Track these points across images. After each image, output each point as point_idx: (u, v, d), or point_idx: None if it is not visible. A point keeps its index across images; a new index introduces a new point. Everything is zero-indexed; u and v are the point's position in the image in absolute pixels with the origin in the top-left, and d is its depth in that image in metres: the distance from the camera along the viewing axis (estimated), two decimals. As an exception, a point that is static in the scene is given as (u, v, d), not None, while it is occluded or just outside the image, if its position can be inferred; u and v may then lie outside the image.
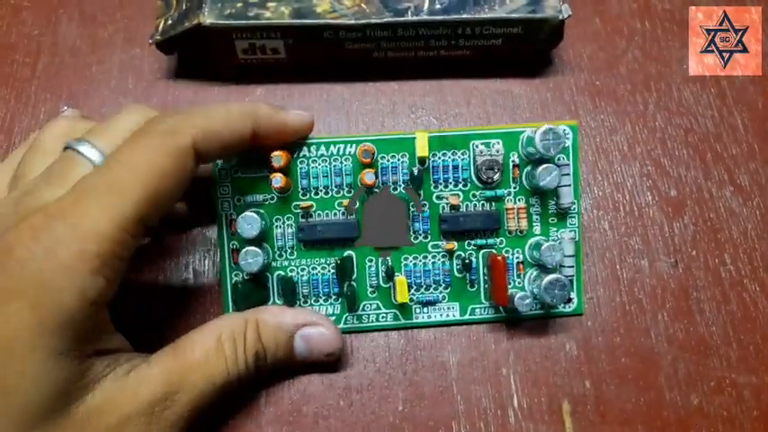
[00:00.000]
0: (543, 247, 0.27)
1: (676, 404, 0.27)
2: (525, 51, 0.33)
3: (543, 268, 0.27)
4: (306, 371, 0.27)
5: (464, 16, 0.31)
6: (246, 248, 0.26)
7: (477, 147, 0.28)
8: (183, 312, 0.28)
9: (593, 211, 0.31)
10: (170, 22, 0.32)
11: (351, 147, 0.28)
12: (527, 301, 0.26)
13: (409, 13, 0.31)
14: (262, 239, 0.27)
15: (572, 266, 0.28)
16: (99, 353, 0.22)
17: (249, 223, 0.26)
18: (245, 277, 0.27)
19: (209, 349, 0.24)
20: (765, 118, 0.33)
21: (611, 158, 0.32)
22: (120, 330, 0.24)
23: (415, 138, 0.27)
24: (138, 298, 0.28)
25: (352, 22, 0.31)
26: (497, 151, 0.28)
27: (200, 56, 0.33)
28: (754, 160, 0.32)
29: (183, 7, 0.32)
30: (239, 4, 0.31)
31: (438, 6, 0.31)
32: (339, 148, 0.28)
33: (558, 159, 0.28)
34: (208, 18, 0.31)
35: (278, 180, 0.27)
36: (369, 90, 0.33)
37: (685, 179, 0.31)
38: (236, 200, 0.28)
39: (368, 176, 0.27)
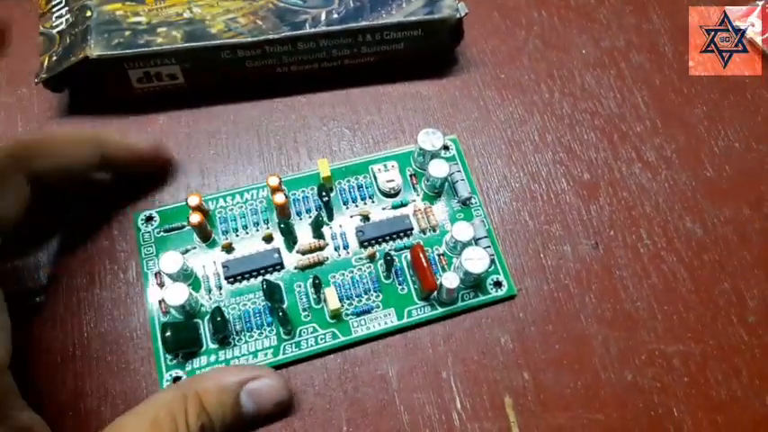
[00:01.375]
0: (454, 226, 0.28)
1: (612, 382, 0.28)
2: (428, 52, 0.33)
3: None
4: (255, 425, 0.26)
5: (362, 23, 0.31)
6: (173, 284, 0.26)
7: (376, 169, 0.30)
8: (108, 365, 0.27)
9: (512, 203, 0.31)
10: (55, 57, 0.30)
11: (263, 190, 0.30)
12: (455, 280, 0.27)
13: (307, 25, 0.31)
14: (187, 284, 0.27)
15: (489, 246, 0.29)
16: None
17: (171, 259, 0.26)
18: (175, 317, 0.27)
19: None
20: (664, 94, 0.34)
21: (523, 149, 0.32)
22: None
23: (318, 172, 0.30)
24: (51, 360, 0.26)
25: (250, 39, 0.30)
26: (393, 166, 0.31)
27: (93, 89, 0.31)
28: (658, 135, 0.33)
29: (68, 41, 0.30)
30: (127, 33, 0.30)
31: (335, 16, 0.31)
32: (252, 194, 0.30)
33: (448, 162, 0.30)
34: (95, 50, 0.29)
35: (195, 217, 0.27)
36: (277, 106, 0.32)
37: (596, 161, 0.32)
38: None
39: (278, 197, 0.28)
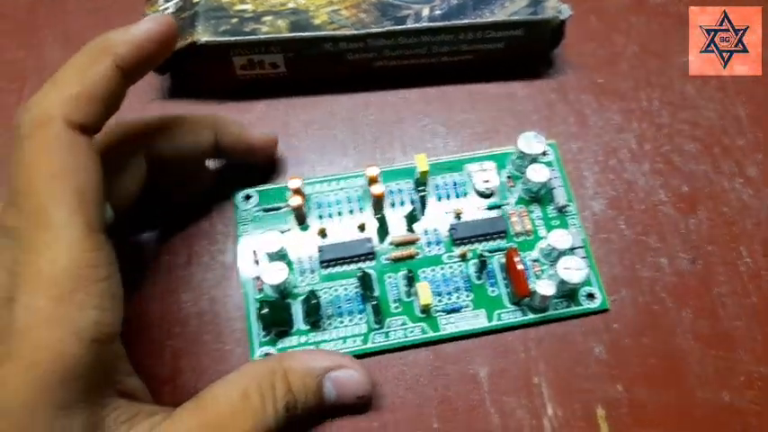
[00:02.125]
0: (551, 234, 0.27)
1: (708, 402, 0.27)
2: (527, 53, 0.32)
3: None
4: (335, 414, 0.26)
5: (465, 21, 0.31)
6: (270, 263, 0.26)
7: (472, 168, 0.30)
8: (204, 345, 0.27)
9: (607, 211, 0.30)
10: (163, 40, 0.30)
11: (359, 179, 0.30)
12: (550, 288, 0.26)
13: (409, 20, 0.30)
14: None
15: (584, 257, 0.28)
16: (115, 397, 0.21)
17: (271, 240, 0.26)
18: (269, 296, 0.27)
19: (236, 404, 0.22)
20: (766, 108, 0.33)
21: (620, 157, 0.32)
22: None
23: (414, 166, 0.30)
24: (154, 329, 0.27)
25: (353, 32, 0.30)
26: (490, 167, 0.30)
27: (196, 74, 0.32)
28: (760, 150, 0.32)
29: (176, 25, 0.30)
30: (234, 20, 0.30)
31: (438, 12, 0.31)
32: (349, 182, 0.30)
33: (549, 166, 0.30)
34: (203, 36, 0.29)
35: (296, 200, 0.27)
36: (373, 100, 0.32)
37: (696, 174, 0.31)
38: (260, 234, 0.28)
39: (376, 188, 0.28)
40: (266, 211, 0.29)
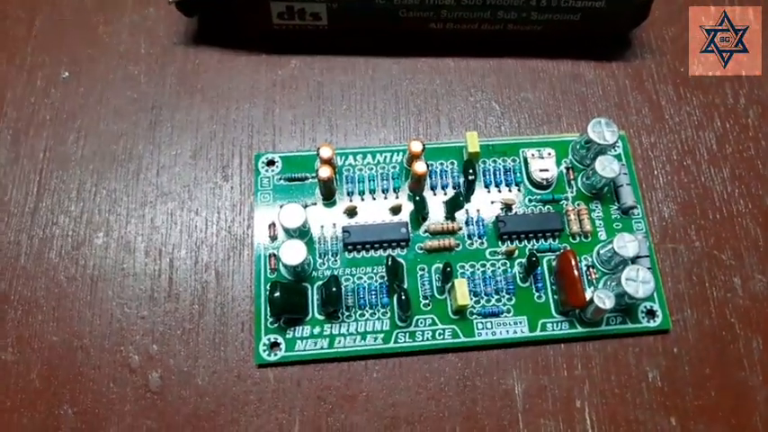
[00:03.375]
0: (616, 238, 0.24)
1: (775, 448, 0.23)
2: (603, 30, 0.28)
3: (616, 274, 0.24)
4: (346, 399, 0.23)
5: (539, -16, 0.27)
6: (288, 240, 0.23)
7: (528, 154, 0.26)
8: (203, 326, 0.24)
9: (678, 217, 0.26)
10: (193, -23, 0.27)
11: (398, 155, 0.26)
12: (609, 300, 0.22)
13: (475, -22, 0.27)
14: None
15: (649, 268, 0.24)
16: None
17: (292, 213, 0.23)
18: (284, 276, 0.24)
19: None
20: None
21: (698, 158, 0.28)
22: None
23: (463, 145, 0.26)
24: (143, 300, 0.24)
25: (411, -16, 0.26)
26: (549, 154, 0.26)
27: (227, 19, 0.28)
28: None
29: (210, -40, 0.27)
30: (275, -41, 0.26)
31: (508, -29, 0.27)
32: (386, 157, 0.26)
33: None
34: (238, -27, 0.26)
35: (325, 171, 0.23)
36: (422, 67, 0.29)
37: (782, 185, 0.27)
38: (279, 206, 0.25)
39: (419, 166, 0.24)
40: (290, 180, 0.26)
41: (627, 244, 0.24)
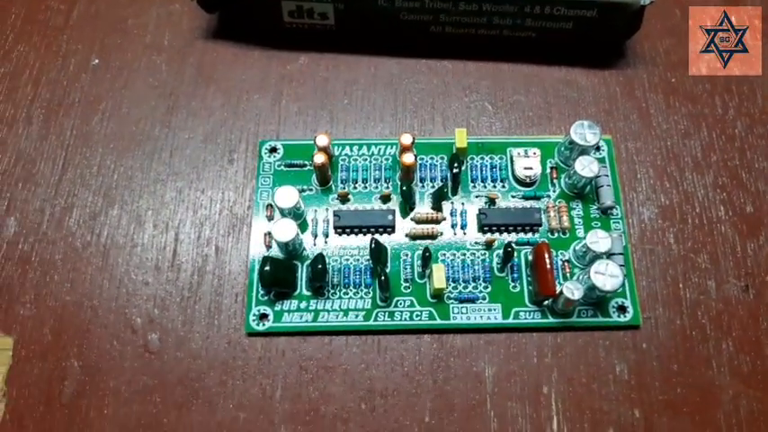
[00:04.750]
0: (589, 234, 0.25)
1: (736, 446, 0.24)
2: (597, 39, 0.30)
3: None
4: (326, 370, 0.25)
5: (534, -6, 0.28)
6: (281, 220, 0.25)
7: (515, 153, 0.28)
8: (200, 295, 0.26)
9: (658, 220, 0.27)
10: (214, -24, 0.29)
11: (391, 148, 0.28)
12: (578, 291, 0.24)
13: (473, -15, 0.28)
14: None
15: (622, 265, 0.25)
16: None
17: (286, 195, 0.25)
18: (277, 253, 0.26)
19: None
20: None
21: (681, 165, 0.29)
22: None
23: (452, 141, 0.27)
24: (150, 268, 0.26)
25: (410, -10, 0.28)
26: (534, 153, 0.28)
27: (244, 16, 0.30)
28: None
29: (230, -38, 0.29)
30: (288, -38, 0.29)
31: (505, -20, 0.28)
32: (380, 149, 0.28)
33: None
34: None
35: (320, 157, 0.26)
36: (421, 67, 0.31)
37: (764, 195, 0.28)
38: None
39: (407, 157, 0.26)
40: (289, 166, 0.28)
41: (599, 240, 0.25)
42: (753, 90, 0.30)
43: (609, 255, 0.25)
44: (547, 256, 0.25)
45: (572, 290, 0.24)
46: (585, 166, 0.26)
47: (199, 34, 0.31)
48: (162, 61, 0.31)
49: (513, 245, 0.26)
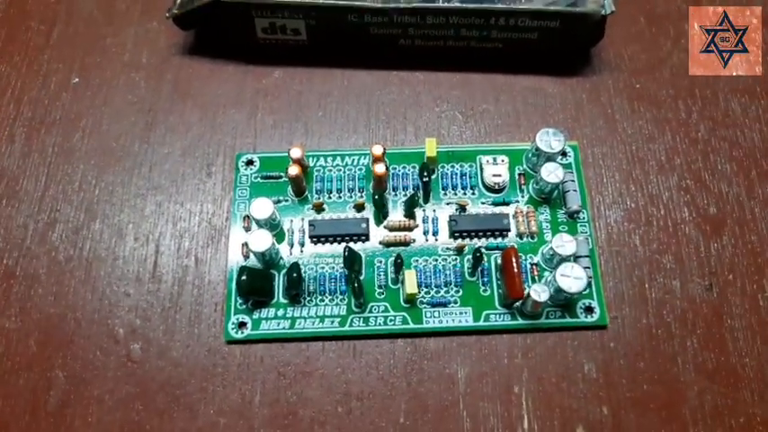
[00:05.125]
0: (555, 238, 0.26)
1: (701, 439, 0.25)
2: (562, 48, 0.31)
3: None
4: (303, 375, 0.25)
5: (498, 6, 0.29)
6: (257, 230, 0.26)
7: (484, 160, 0.29)
8: (180, 305, 0.27)
9: (624, 223, 0.28)
10: (188, -5, 0.30)
11: (364, 158, 0.29)
12: (544, 293, 0.25)
13: (440, -1, 0.29)
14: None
15: (588, 267, 0.26)
16: None
17: (261, 206, 0.26)
18: (254, 263, 0.27)
19: None
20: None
21: (647, 168, 0.30)
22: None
23: (423, 151, 0.28)
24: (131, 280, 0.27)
25: (379, 5, 0.29)
26: (502, 161, 0.29)
27: (219, 33, 0.31)
28: (804, 180, 0.29)
29: (205, -19, 0.30)
30: (260, -20, 0.29)
31: (472, -7, 0.29)
32: (354, 159, 0.29)
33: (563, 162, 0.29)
34: (230, -7, 0.29)
35: (294, 169, 0.27)
36: (392, 79, 0.31)
37: (726, 196, 0.29)
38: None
39: (378, 167, 0.27)
40: (265, 178, 0.28)
41: (565, 243, 0.26)
42: (715, 93, 0.31)
43: (575, 257, 0.26)
44: (514, 260, 0.26)
45: (539, 292, 0.25)
46: (551, 172, 0.27)
47: (176, 51, 0.32)
48: (140, 78, 0.32)
49: (483, 250, 0.27)
